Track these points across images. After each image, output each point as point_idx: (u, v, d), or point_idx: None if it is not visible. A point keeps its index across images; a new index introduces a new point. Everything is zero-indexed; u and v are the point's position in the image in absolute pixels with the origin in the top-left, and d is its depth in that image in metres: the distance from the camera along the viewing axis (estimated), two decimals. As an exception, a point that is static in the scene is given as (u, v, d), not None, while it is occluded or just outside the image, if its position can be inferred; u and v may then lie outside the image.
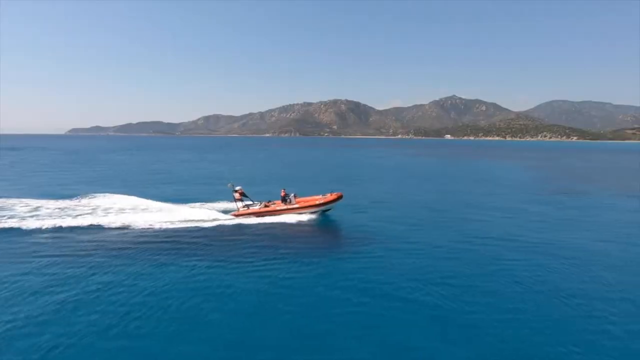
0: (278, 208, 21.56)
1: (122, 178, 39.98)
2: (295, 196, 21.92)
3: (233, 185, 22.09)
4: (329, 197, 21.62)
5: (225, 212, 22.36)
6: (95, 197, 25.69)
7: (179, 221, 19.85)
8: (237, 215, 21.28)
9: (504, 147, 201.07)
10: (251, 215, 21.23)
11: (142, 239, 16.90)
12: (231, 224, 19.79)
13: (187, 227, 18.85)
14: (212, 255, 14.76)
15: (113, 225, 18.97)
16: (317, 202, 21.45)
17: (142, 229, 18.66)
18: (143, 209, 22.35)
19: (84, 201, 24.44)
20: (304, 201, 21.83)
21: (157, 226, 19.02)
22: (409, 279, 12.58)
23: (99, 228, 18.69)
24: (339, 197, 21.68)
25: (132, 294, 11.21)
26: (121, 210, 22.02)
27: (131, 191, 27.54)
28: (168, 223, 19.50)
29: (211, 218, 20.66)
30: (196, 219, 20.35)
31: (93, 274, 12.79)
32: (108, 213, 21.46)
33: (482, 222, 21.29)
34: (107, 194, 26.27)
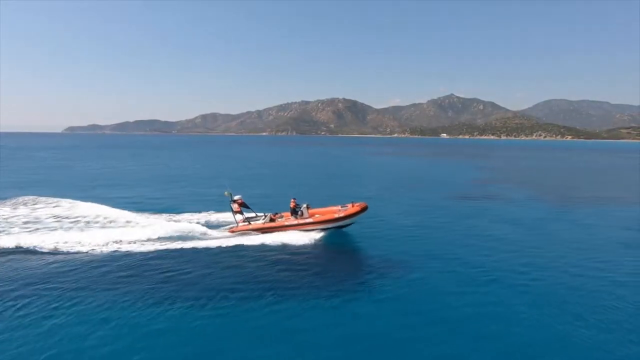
0: (287, 223, 17.71)
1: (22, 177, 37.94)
2: (307, 207, 18.04)
3: (231, 194, 18.23)
4: (351, 208, 17.35)
5: (219, 226, 19.02)
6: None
7: (154, 241, 15.93)
8: (234, 232, 17.78)
9: (490, 146, 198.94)
10: (253, 232, 17.47)
11: (94, 265, 13.38)
12: (226, 244, 15.93)
13: (167, 249, 15.13)
14: (197, 290, 11.55)
15: (44, 248, 15.05)
16: (337, 216, 17.33)
17: (97, 250, 14.99)
18: (98, 221, 18.92)
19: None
20: (320, 213, 18.13)
21: (120, 248, 15.19)
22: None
23: (31, 252, 14.85)
24: (364, 209, 17.34)
25: (85, 342, 8.75)
26: (73, 222, 18.53)
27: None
28: (140, 244, 15.55)
29: (201, 235, 16.87)
30: (178, 235, 16.47)
31: (32, 317, 9.93)
32: (47, 227, 17.83)
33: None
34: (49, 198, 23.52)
